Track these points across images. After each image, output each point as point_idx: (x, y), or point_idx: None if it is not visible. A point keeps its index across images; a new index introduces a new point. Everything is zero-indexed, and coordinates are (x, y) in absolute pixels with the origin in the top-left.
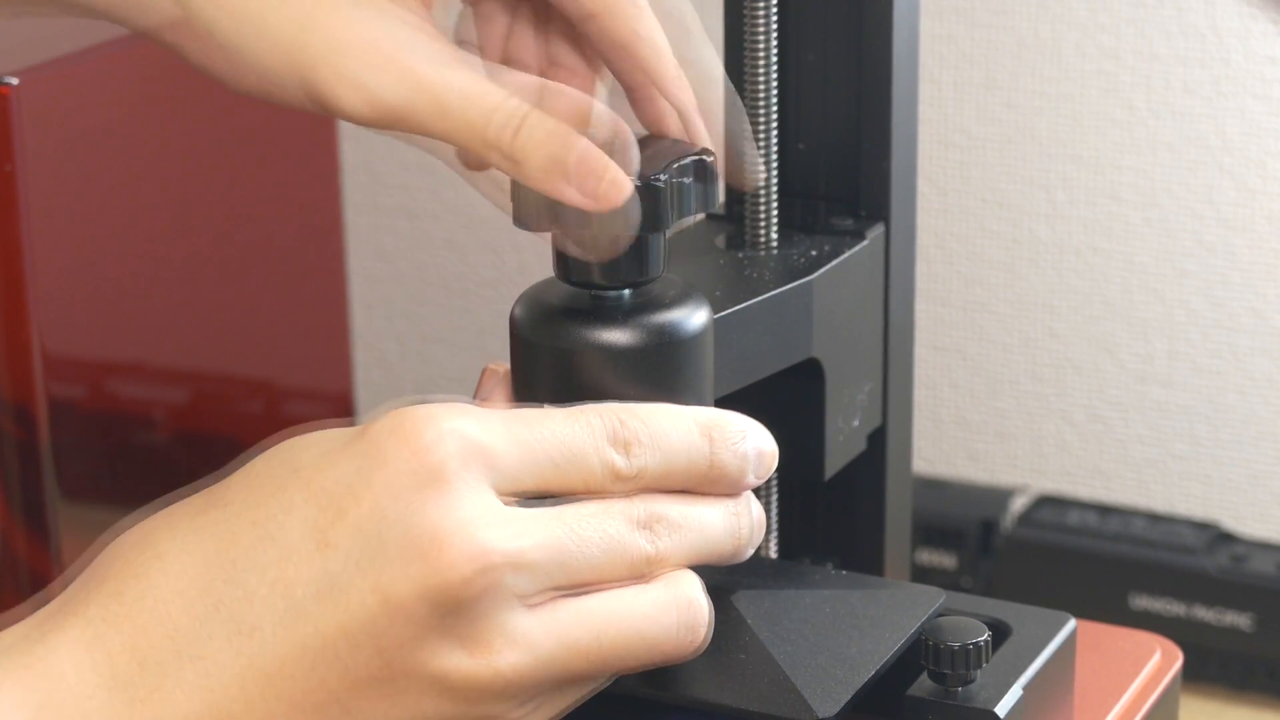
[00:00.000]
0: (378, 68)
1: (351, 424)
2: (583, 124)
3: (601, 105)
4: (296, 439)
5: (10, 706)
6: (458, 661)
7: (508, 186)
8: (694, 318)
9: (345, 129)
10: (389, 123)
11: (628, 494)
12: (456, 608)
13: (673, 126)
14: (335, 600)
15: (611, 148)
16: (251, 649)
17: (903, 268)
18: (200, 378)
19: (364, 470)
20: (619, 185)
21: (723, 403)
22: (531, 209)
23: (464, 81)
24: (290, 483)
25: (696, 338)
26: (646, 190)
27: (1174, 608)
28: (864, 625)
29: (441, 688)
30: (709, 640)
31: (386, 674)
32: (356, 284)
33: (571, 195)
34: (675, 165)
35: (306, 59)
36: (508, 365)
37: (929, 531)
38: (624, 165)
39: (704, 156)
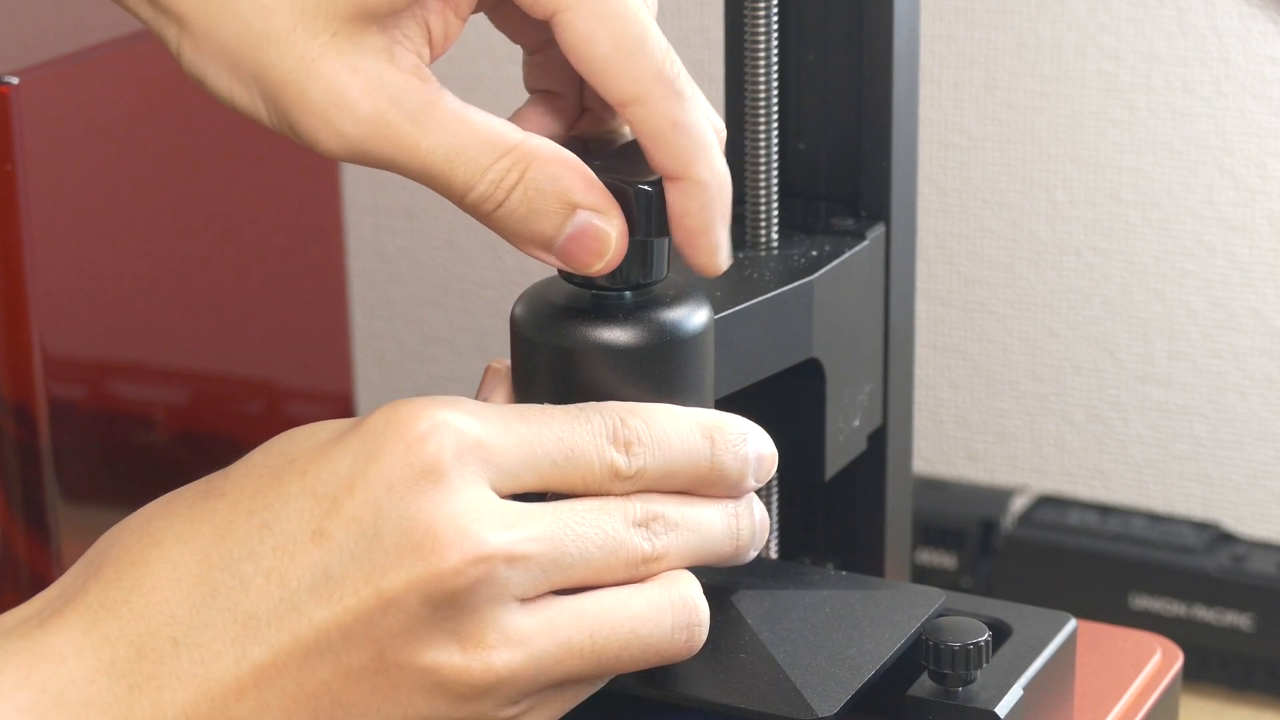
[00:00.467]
0: (345, 118)
1: None
2: (572, 197)
3: (593, 175)
4: (294, 430)
5: (10, 688)
6: (450, 656)
7: None
8: (694, 317)
9: None
10: (358, 162)
11: (627, 494)
12: (450, 601)
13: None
14: (330, 592)
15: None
16: (246, 638)
17: (903, 268)
18: (200, 378)
19: (359, 463)
20: (607, 264)
21: (723, 403)
22: None
23: (447, 143)
24: (286, 473)
25: (697, 337)
26: (656, 194)
27: (1174, 608)
28: (864, 625)
29: (434, 683)
30: (704, 641)
31: (379, 666)
32: (356, 284)
33: (552, 264)
34: None
35: (273, 89)
36: (509, 363)
37: (929, 531)
38: (610, 243)
39: None
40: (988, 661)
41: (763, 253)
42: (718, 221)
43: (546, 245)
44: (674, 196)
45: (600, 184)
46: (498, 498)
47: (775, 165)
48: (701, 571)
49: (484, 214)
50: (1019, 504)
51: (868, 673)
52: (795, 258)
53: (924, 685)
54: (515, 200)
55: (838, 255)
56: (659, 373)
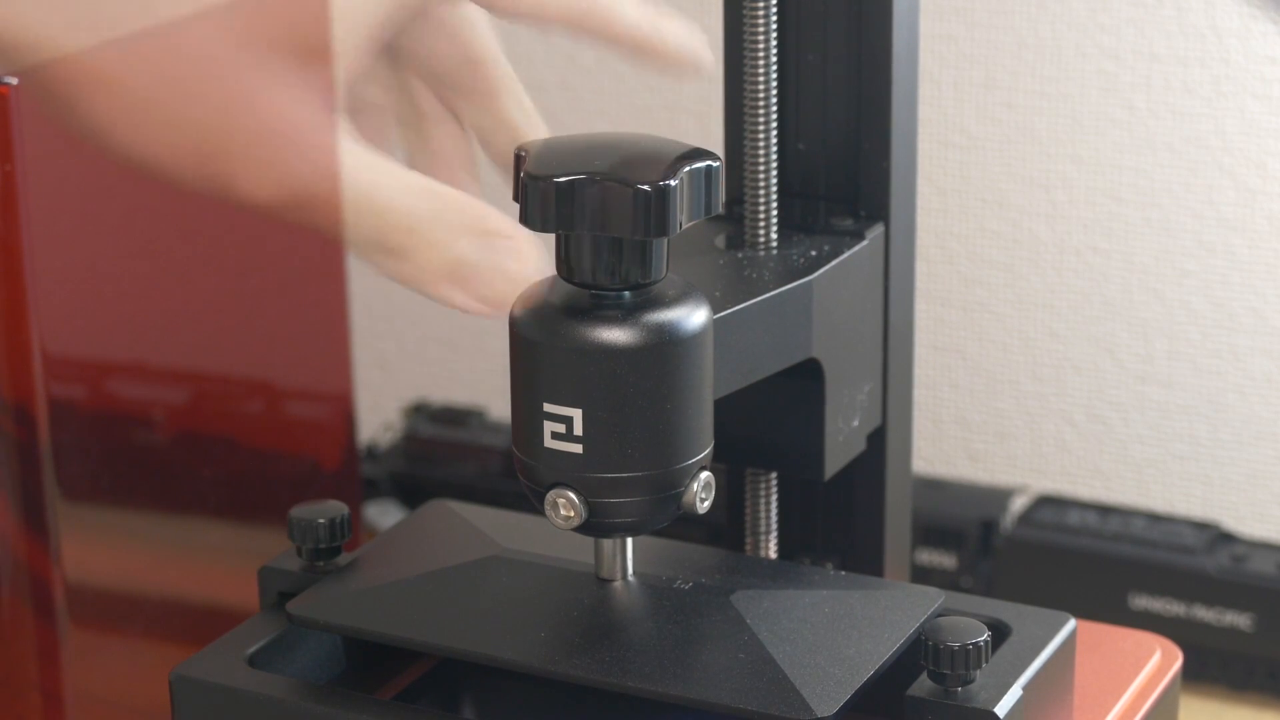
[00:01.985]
0: (292, 156)
1: (351, 426)
2: (477, 231)
3: (497, 212)
4: None
5: None
6: None
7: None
8: (694, 317)
9: None
10: (290, 210)
11: None
12: None
13: None
14: None
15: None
16: None
17: (903, 268)
18: (200, 378)
19: None
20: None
21: (723, 403)
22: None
23: (376, 180)
24: None
25: (696, 337)
26: (656, 194)
27: (1174, 608)
28: (863, 625)
29: None
30: None
31: None
32: (356, 284)
33: (462, 303)
34: (685, 171)
35: (216, 143)
36: None
37: (929, 531)
38: (514, 276)
39: (711, 162)
40: (987, 661)
41: (762, 253)
42: (648, 27)
43: (456, 282)
44: (598, 37)
45: (497, 214)
46: None
47: (775, 165)
48: (699, 572)
49: (397, 251)
50: (1019, 504)
51: (867, 673)
52: (794, 258)
53: (923, 685)
54: (422, 236)
55: (837, 255)
56: (658, 373)
